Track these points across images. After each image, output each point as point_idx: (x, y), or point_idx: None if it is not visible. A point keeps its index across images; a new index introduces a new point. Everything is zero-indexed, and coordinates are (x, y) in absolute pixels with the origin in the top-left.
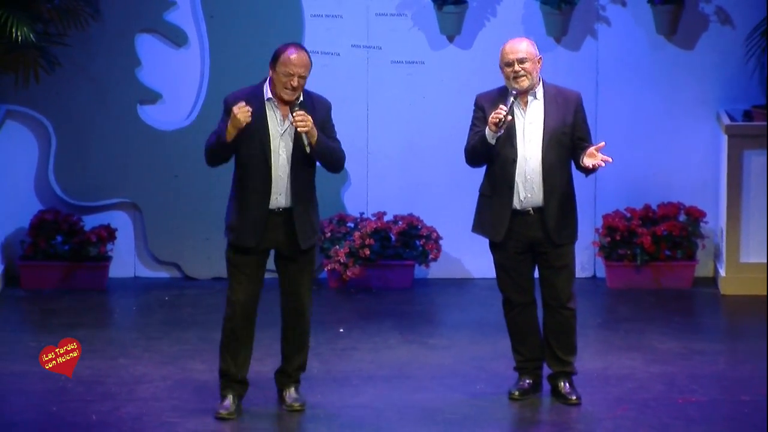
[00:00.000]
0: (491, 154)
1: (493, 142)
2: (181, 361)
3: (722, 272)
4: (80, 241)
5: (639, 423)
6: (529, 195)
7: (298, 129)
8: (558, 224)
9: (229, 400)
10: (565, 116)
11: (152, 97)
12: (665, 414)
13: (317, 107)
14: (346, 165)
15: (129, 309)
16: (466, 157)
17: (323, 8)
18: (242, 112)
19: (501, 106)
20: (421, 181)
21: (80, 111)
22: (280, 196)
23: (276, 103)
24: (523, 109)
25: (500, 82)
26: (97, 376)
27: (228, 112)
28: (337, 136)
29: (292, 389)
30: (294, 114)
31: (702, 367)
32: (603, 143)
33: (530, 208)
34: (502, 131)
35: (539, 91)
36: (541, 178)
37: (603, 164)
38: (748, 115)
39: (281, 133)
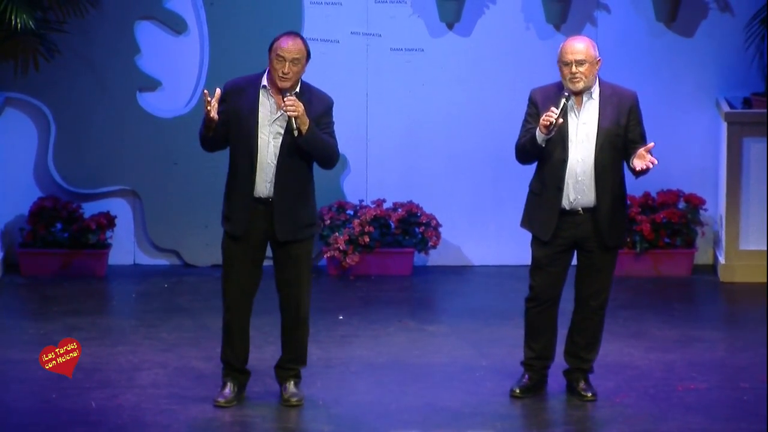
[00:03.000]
0: (542, 154)
1: (543, 144)
2: (180, 348)
3: (721, 259)
4: (79, 228)
5: (638, 410)
6: (579, 196)
7: (287, 113)
8: (610, 226)
9: (229, 388)
10: (619, 117)
11: (152, 84)
12: (664, 401)
13: (314, 102)
14: (346, 152)
15: (128, 296)
16: (516, 154)
17: None
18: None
19: (552, 108)
20: (421, 169)
21: (79, 98)
22: (268, 183)
23: (271, 92)
24: (577, 109)
25: (498, 70)
26: (96, 364)
27: (223, 96)
28: (335, 136)
29: (291, 384)
30: (285, 98)
31: (701, 355)
32: (652, 144)
33: (580, 208)
34: (553, 133)
35: (595, 90)
36: (593, 180)
37: (651, 166)
38: (747, 103)
39: (272, 121)
